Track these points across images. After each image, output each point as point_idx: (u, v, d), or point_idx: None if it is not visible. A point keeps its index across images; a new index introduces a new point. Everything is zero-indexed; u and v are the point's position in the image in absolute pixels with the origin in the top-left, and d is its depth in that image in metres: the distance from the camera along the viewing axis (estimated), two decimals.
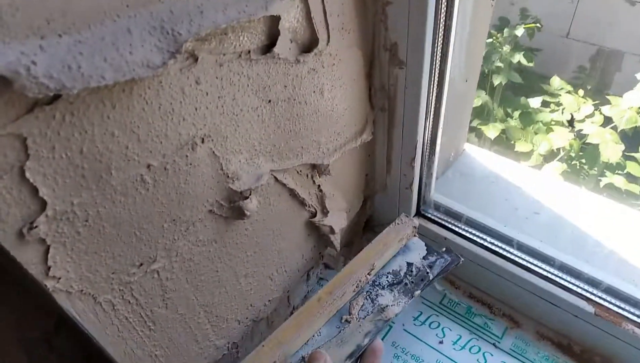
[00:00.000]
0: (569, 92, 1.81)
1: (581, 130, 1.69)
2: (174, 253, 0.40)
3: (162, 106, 0.33)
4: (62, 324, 0.41)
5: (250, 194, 0.43)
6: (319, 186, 0.53)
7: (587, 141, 1.65)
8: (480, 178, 0.79)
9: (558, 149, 1.68)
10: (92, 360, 0.44)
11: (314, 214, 0.55)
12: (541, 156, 1.70)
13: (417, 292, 0.54)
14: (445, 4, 0.46)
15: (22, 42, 0.25)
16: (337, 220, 0.57)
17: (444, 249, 0.59)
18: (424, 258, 0.58)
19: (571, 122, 1.69)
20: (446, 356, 0.58)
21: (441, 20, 0.46)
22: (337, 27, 0.44)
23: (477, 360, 0.57)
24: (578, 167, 1.72)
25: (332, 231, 0.56)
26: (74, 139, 0.29)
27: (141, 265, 0.38)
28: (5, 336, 0.52)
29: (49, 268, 0.31)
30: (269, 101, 0.42)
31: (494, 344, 0.58)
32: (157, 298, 0.41)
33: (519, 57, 1.85)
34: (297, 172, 0.50)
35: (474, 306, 0.62)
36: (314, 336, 0.51)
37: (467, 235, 0.61)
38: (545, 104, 1.83)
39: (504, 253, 0.58)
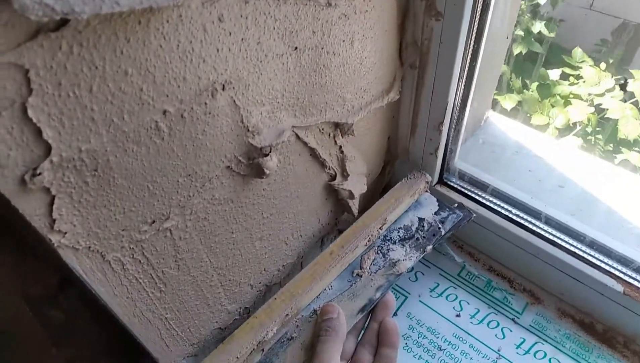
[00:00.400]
0: (590, 65, 1.75)
1: (600, 104, 1.63)
2: (189, 211, 0.37)
3: (181, 44, 0.29)
4: (67, 281, 0.39)
5: (270, 151, 0.40)
6: (340, 147, 0.50)
7: (605, 116, 1.60)
8: (504, 147, 0.76)
9: (574, 124, 1.63)
10: (99, 319, 0.42)
11: (333, 177, 0.52)
12: (557, 130, 1.65)
13: (429, 247, 0.53)
14: None
15: None
16: (357, 185, 0.54)
17: (455, 205, 0.57)
18: (435, 213, 0.57)
19: (624, 87, 1.61)
20: (463, 330, 0.56)
21: None
22: None
23: (496, 335, 0.55)
24: (593, 142, 1.68)
25: (352, 195, 0.53)
26: (82, 75, 0.25)
27: (153, 222, 0.35)
28: (7, 291, 0.49)
29: (54, 221, 0.28)
30: (295, 48, 0.38)
31: (513, 319, 0.56)
32: (169, 259, 0.38)
33: (540, 27, 1.78)
34: (320, 130, 0.46)
35: (494, 280, 0.59)
36: (325, 289, 0.50)
37: (492, 206, 0.58)
38: (564, 76, 1.77)
39: (531, 226, 0.55)
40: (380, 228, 0.54)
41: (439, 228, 0.55)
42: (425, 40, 0.48)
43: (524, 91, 1.80)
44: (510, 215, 0.57)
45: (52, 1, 0.21)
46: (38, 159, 0.26)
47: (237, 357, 0.45)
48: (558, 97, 1.70)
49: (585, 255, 0.52)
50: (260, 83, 0.36)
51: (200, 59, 0.31)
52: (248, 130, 0.37)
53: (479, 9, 0.45)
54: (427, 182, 0.58)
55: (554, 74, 1.74)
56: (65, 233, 0.29)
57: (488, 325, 0.56)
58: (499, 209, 0.58)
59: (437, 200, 0.59)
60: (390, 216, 0.55)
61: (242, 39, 0.33)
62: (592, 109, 1.61)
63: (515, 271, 0.60)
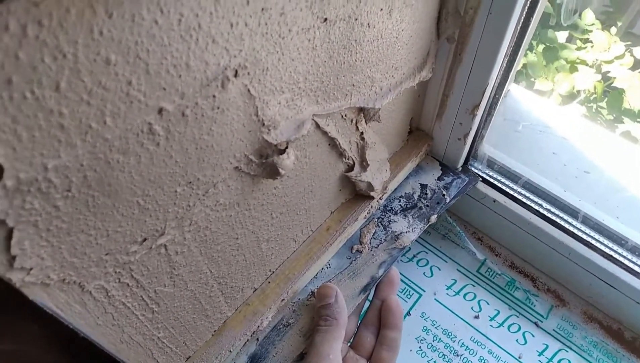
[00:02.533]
0: (598, 29, 1.67)
1: (608, 72, 1.57)
2: (187, 221, 0.30)
3: (185, 18, 0.21)
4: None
5: (287, 148, 0.32)
6: (362, 133, 0.43)
7: (612, 85, 1.54)
8: (527, 125, 0.69)
9: (579, 91, 1.57)
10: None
11: (351, 167, 0.45)
12: (560, 97, 1.59)
13: (434, 217, 0.49)
14: None
15: None
16: (378, 174, 0.47)
17: (459, 168, 0.53)
18: (438, 179, 0.52)
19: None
20: (482, 333, 0.51)
21: None
22: None
23: (517, 340, 0.51)
24: (594, 110, 1.63)
25: (371, 187, 0.47)
26: (44, 68, 0.17)
27: (144, 240, 0.28)
28: None
29: (13, 257, 0.21)
30: (325, 20, 0.30)
31: (535, 323, 0.52)
32: (164, 276, 0.31)
33: None
34: (342, 116, 0.39)
35: (517, 279, 0.55)
36: (323, 269, 0.47)
37: (520, 197, 0.52)
38: (570, 40, 1.69)
39: (566, 225, 0.50)
40: (380, 198, 0.49)
41: (443, 195, 0.51)
42: (470, 10, 0.40)
43: (528, 53, 1.72)
44: (541, 210, 0.51)
45: None
46: None
47: (230, 350, 0.41)
48: (564, 61, 1.63)
49: (624, 260, 0.48)
50: (280, 66, 0.28)
51: (209, 38, 0.23)
52: (263, 124, 0.30)
53: None
54: (429, 144, 0.53)
55: (561, 36, 1.65)
56: (31, 269, 0.22)
57: (509, 328, 0.52)
58: (529, 202, 0.52)
59: (440, 163, 0.53)
60: (391, 184, 0.50)
61: (263, 9, 0.25)
62: (599, 77, 1.55)
63: (539, 269, 0.55)
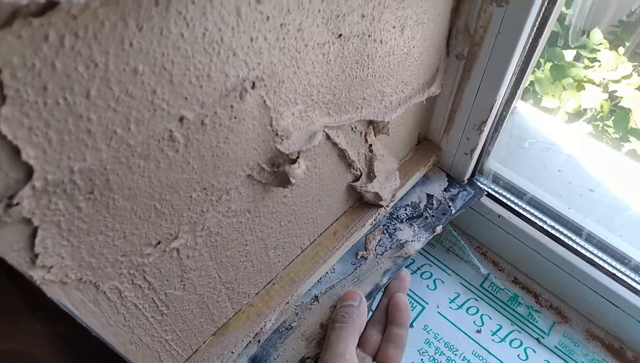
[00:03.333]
0: (606, 48, 1.68)
1: (615, 91, 1.58)
2: (200, 226, 0.31)
3: (209, 31, 0.22)
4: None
5: (298, 157, 0.33)
6: (370, 145, 0.44)
7: (619, 104, 1.54)
8: (532, 142, 0.70)
9: (585, 109, 1.58)
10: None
11: (357, 178, 0.46)
12: (567, 114, 1.60)
13: (439, 227, 0.49)
14: None
15: None
16: (387, 184, 0.48)
17: (465, 181, 0.53)
18: (445, 190, 0.53)
19: None
20: (483, 347, 0.51)
21: None
22: None
23: (518, 355, 0.51)
24: (600, 128, 1.63)
25: (378, 197, 0.47)
26: (77, 76, 0.18)
27: (159, 243, 0.28)
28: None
29: (36, 255, 0.22)
30: (340, 36, 0.31)
31: (537, 339, 0.52)
32: (174, 279, 0.32)
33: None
34: (352, 128, 0.40)
35: (519, 294, 0.55)
36: (327, 274, 0.46)
37: (524, 213, 0.53)
38: (578, 58, 1.70)
39: (569, 242, 0.50)
40: (387, 205, 0.49)
41: (449, 206, 0.51)
42: (480, 29, 0.41)
43: (536, 70, 1.73)
44: (545, 227, 0.52)
45: None
46: (15, 185, 0.19)
47: (232, 351, 0.40)
48: (571, 80, 1.64)
49: (626, 279, 0.48)
50: (295, 79, 0.29)
51: (230, 51, 0.24)
52: (277, 134, 0.31)
53: None
54: (437, 155, 0.53)
55: (568, 55, 1.66)
56: (51, 267, 0.23)
57: (510, 343, 0.52)
58: (533, 219, 0.52)
59: (447, 175, 0.54)
60: (398, 193, 0.50)
61: (281, 25, 0.26)
62: (606, 96, 1.55)
63: (542, 286, 0.55)
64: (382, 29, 0.33)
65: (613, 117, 1.57)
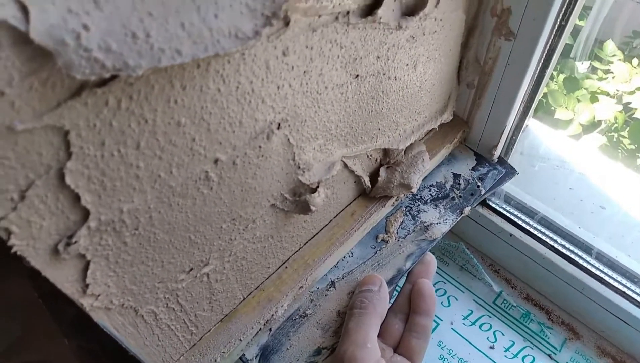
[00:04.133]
0: (620, 59, 1.68)
1: (629, 103, 1.57)
2: (228, 253, 0.33)
3: (241, 85, 0.25)
4: None
5: (318, 187, 0.35)
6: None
7: (633, 115, 1.54)
8: (544, 160, 0.71)
9: (599, 121, 1.57)
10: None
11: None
12: (581, 126, 1.60)
13: (467, 209, 0.46)
14: None
15: None
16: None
17: (495, 160, 0.50)
18: (473, 169, 0.49)
19: None
20: None
21: None
22: None
23: None
24: (615, 139, 1.63)
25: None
26: (130, 132, 0.21)
27: (191, 270, 0.31)
28: (24, 281, 0.47)
29: (87, 285, 0.24)
30: (357, 76, 0.33)
31: (549, 355, 0.53)
32: (204, 302, 0.35)
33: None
34: (367, 156, 0.42)
35: (532, 311, 0.56)
36: (344, 258, 0.43)
37: (536, 233, 0.54)
38: (592, 69, 1.70)
39: (579, 261, 0.51)
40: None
41: (478, 186, 0.47)
42: (490, 60, 0.43)
43: (549, 82, 1.73)
44: (556, 245, 0.53)
45: (103, 56, 0.17)
46: (74, 226, 0.22)
47: (240, 339, 0.38)
48: (585, 91, 1.64)
49: (636, 297, 0.49)
50: (316, 117, 0.32)
51: (259, 99, 0.26)
52: (299, 167, 0.33)
53: (556, 29, 0.40)
54: (465, 131, 0.49)
55: (581, 66, 1.67)
56: (99, 295, 0.26)
57: (523, 359, 0.53)
58: (544, 238, 0.54)
59: (475, 153, 0.50)
60: None
61: (304, 72, 0.28)
62: (620, 107, 1.55)
63: (554, 303, 0.57)
64: (395, 67, 0.35)
65: (628, 129, 1.57)
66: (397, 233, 0.44)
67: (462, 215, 0.45)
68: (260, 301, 0.39)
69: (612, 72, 1.66)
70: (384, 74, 0.35)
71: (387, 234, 0.44)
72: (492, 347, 0.54)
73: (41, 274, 0.37)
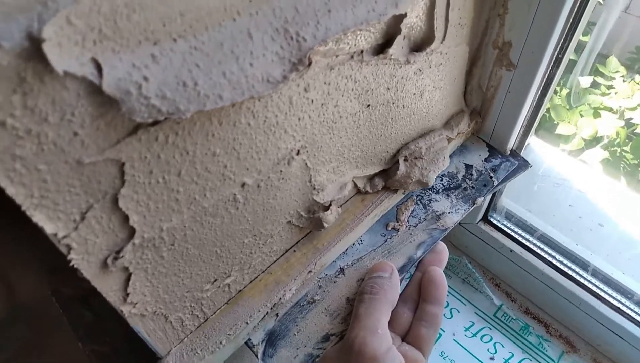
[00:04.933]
0: (623, 76, 1.70)
1: (631, 119, 1.60)
2: (247, 265, 0.36)
3: (268, 119, 0.28)
4: None
5: (330, 205, 0.38)
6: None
7: (635, 131, 1.57)
8: (544, 177, 0.74)
9: (602, 136, 1.60)
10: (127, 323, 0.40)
11: None
12: (583, 141, 1.62)
13: (480, 199, 0.45)
14: (580, 4, 0.39)
15: (134, 50, 0.20)
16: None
17: (508, 152, 0.50)
18: (485, 160, 0.49)
19: None
20: None
21: (573, 23, 0.40)
22: (455, 22, 0.38)
23: None
24: (618, 154, 1.65)
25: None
26: (173, 162, 0.24)
27: (215, 280, 0.34)
28: (37, 286, 0.50)
29: (127, 294, 0.27)
30: (368, 106, 0.36)
31: None
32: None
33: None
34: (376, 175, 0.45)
35: (531, 324, 0.59)
36: (354, 245, 0.43)
37: (536, 249, 0.57)
38: (595, 85, 1.73)
39: (576, 277, 0.54)
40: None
41: (491, 177, 0.47)
42: (492, 87, 0.46)
43: (553, 96, 1.75)
44: (554, 262, 0.56)
45: (159, 102, 0.20)
46: (121, 242, 0.25)
47: (247, 322, 0.36)
48: (588, 106, 1.66)
49: (631, 313, 0.51)
50: (331, 143, 0.35)
51: (283, 130, 0.29)
52: (314, 188, 0.36)
53: (554, 61, 0.43)
54: (477, 122, 0.49)
55: (584, 81, 1.69)
56: (136, 303, 0.29)
57: None
58: (543, 254, 0.57)
59: (487, 145, 0.50)
60: None
61: (322, 104, 0.31)
62: (622, 123, 1.58)
63: (552, 316, 0.59)
64: (404, 96, 0.39)
65: (630, 144, 1.59)
66: (407, 221, 0.44)
67: (475, 206, 0.45)
68: (267, 285, 0.38)
69: (614, 88, 1.69)
70: (393, 103, 0.38)
71: (397, 222, 0.44)
72: (492, 358, 0.57)
73: (61, 280, 0.41)
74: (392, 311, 0.36)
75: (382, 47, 0.33)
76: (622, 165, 1.67)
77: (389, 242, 0.42)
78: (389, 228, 0.44)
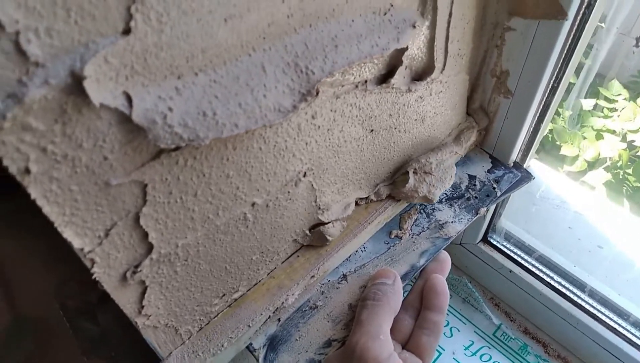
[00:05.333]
0: (625, 99, 1.72)
1: (633, 141, 1.61)
2: (254, 281, 0.38)
3: (278, 144, 0.30)
4: (106, 298, 0.40)
5: (334, 221, 0.40)
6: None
7: (638, 154, 1.58)
8: (544, 199, 0.75)
9: (605, 158, 1.61)
10: (133, 337, 0.42)
11: None
12: (586, 163, 1.63)
13: (483, 209, 0.46)
14: (575, 36, 0.41)
15: (160, 83, 0.22)
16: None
17: (512, 164, 0.50)
18: (488, 171, 0.49)
19: None
20: None
21: (567, 53, 0.42)
22: (454, 53, 0.40)
23: None
24: (621, 176, 1.66)
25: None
26: (191, 183, 0.26)
27: (223, 295, 0.36)
28: (45, 298, 0.51)
29: (142, 307, 0.29)
30: (372, 131, 0.38)
31: None
32: None
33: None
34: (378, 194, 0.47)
35: (529, 344, 0.60)
36: (357, 252, 0.43)
37: (534, 270, 0.58)
38: (597, 107, 1.75)
39: (574, 297, 0.55)
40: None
41: (494, 188, 0.47)
42: (491, 113, 0.48)
43: (555, 117, 1.78)
44: (552, 282, 0.57)
45: (181, 130, 0.22)
46: (140, 257, 0.27)
47: (249, 325, 0.36)
48: (590, 128, 1.68)
49: (627, 333, 0.53)
50: (336, 166, 0.37)
51: (291, 153, 0.31)
52: (319, 208, 0.38)
53: (550, 90, 0.45)
54: (481, 133, 0.50)
55: (587, 104, 1.71)
56: (150, 315, 0.30)
57: None
58: (541, 275, 0.58)
59: (490, 156, 0.50)
60: None
61: (328, 130, 0.34)
62: (624, 145, 1.59)
63: (550, 336, 0.60)
64: (406, 122, 0.41)
65: (633, 166, 1.60)
66: (411, 229, 0.44)
67: (478, 216, 0.46)
68: (270, 289, 0.38)
69: (616, 110, 1.71)
70: (395, 128, 0.40)
71: (400, 230, 0.44)
72: None
73: (68, 293, 0.43)
74: (393, 319, 0.36)
75: (385, 77, 0.35)
76: (624, 188, 1.68)
77: (392, 250, 0.43)
78: (392, 236, 0.44)
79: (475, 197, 0.47)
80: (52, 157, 0.20)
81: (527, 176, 0.49)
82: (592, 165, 1.65)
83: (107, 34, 0.19)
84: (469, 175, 0.49)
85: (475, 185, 0.48)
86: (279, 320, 0.38)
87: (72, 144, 0.20)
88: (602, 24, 1.90)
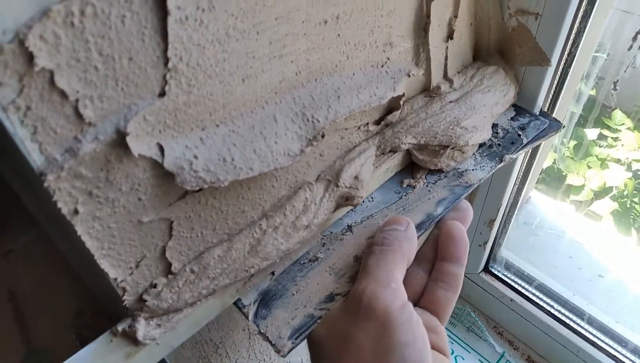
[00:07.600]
0: (629, 128, 1.75)
1: (638, 170, 1.63)
2: None
3: (288, 180, 0.33)
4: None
5: None
6: None
7: None
8: (545, 229, 0.78)
9: (610, 187, 1.62)
10: None
11: None
12: (592, 192, 1.65)
13: (508, 156, 0.42)
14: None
15: (187, 135, 0.25)
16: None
17: (538, 112, 0.46)
18: (512, 119, 0.45)
19: None
20: None
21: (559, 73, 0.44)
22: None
23: None
24: (628, 206, 1.67)
25: None
26: (210, 219, 0.29)
27: None
28: (61, 329, 0.54)
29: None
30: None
31: None
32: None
33: (580, 84, 1.79)
34: None
35: None
36: (364, 202, 0.39)
37: (535, 299, 0.60)
38: (601, 137, 1.77)
39: (574, 325, 0.57)
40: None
41: (519, 135, 0.43)
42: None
43: (560, 147, 1.80)
44: (552, 311, 0.59)
45: (204, 174, 0.26)
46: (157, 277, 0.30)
47: None
48: (595, 158, 1.70)
49: (626, 360, 0.54)
50: None
51: (298, 184, 0.35)
52: None
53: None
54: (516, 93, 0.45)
55: (591, 133, 1.73)
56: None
57: None
58: (542, 304, 0.60)
59: (513, 105, 0.46)
60: None
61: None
62: (630, 174, 1.61)
63: None
64: None
65: (638, 195, 1.61)
66: (425, 178, 0.40)
67: (502, 163, 0.41)
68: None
69: (620, 140, 1.73)
70: None
71: (413, 179, 0.40)
72: None
73: (85, 324, 0.45)
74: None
75: (382, 117, 0.39)
76: (632, 217, 1.69)
77: (404, 199, 0.39)
78: (404, 186, 0.40)
79: (499, 144, 0.43)
80: (96, 199, 0.23)
81: (556, 124, 0.45)
82: (598, 194, 1.66)
83: (146, 97, 0.23)
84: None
85: (497, 133, 0.44)
86: (272, 273, 0.35)
87: (113, 188, 0.24)
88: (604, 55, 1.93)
